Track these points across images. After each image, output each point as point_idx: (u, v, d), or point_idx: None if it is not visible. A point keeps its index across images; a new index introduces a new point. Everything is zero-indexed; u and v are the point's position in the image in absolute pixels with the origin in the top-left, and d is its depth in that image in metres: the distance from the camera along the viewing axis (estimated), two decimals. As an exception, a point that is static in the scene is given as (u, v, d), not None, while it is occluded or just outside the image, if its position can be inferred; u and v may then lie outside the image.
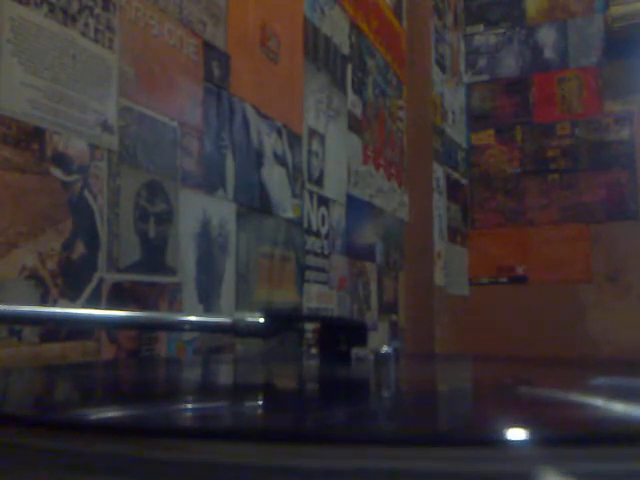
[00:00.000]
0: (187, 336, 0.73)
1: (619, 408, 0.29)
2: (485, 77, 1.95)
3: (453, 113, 1.80)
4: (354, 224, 1.22)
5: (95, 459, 0.21)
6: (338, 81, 1.17)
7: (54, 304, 0.56)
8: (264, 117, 0.91)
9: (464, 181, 1.89)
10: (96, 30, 0.62)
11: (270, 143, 0.93)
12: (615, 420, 0.26)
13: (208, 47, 0.80)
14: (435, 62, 1.66)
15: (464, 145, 1.91)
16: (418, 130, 1.56)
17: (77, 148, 0.59)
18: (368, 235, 1.29)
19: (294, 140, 1.00)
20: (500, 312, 1.80)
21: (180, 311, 0.72)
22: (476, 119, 1.94)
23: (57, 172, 0.57)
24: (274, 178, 0.94)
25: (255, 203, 0.88)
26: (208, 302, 0.78)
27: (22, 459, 0.22)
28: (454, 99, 1.82)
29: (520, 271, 1.86)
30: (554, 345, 1.62)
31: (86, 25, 0.61)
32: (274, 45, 0.95)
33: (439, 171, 1.65)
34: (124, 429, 0.23)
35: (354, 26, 1.25)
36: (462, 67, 1.94)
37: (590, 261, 1.79)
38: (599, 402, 0.30)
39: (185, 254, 0.74)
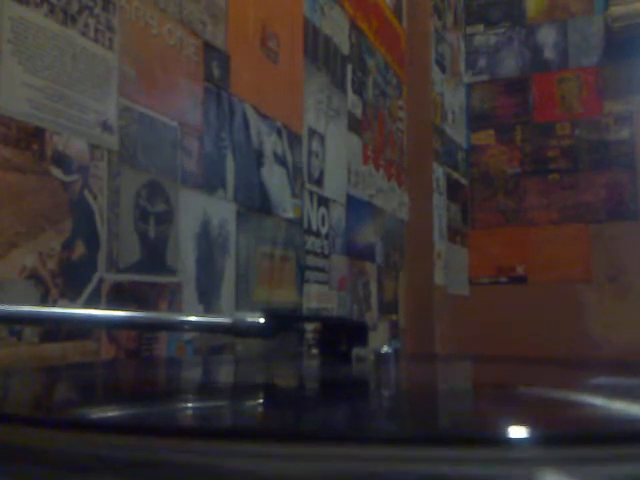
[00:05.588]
0: (187, 336, 0.73)
1: (619, 408, 0.29)
2: (485, 77, 1.95)
3: (453, 113, 1.80)
4: (354, 224, 1.22)
5: (95, 459, 0.21)
6: (338, 81, 1.17)
7: (54, 304, 0.56)
8: (264, 117, 0.91)
9: (464, 181, 1.89)
10: (96, 30, 0.62)
11: (270, 143, 0.93)
12: (615, 420, 0.26)
13: (208, 47, 0.80)
14: (435, 62, 1.66)
15: (464, 145, 1.91)
16: (418, 130, 1.56)
17: (77, 148, 0.59)
18: (368, 235, 1.29)
19: (294, 140, 1.00)
20: (500, 312, 1.80)
21: (180, 311, 0.72)
22: (476, 119, 1.94)
23: (57, 172, 0.57)
24: (274, 178, 0.93)
25: (255, 203, 0.88)
26: (208, 302, 0.78)
27: (22, 459, 0.22)
28: (454, 99, 1.82)
29: (520, 271, 1.86)
30: (554, 345, 1.62)
31: (86, 25, 0.61)
32: (274, 45, 0.95)
33: (439, 171, 1.65)
34: (124, 429, 0.23)
35: (354, 26, 1.25)
36: (462, 67, 1.94)
37: (590, 261, 1.79)
38: (599, 402, 0.30)
39: (185, 254, 0.74)
